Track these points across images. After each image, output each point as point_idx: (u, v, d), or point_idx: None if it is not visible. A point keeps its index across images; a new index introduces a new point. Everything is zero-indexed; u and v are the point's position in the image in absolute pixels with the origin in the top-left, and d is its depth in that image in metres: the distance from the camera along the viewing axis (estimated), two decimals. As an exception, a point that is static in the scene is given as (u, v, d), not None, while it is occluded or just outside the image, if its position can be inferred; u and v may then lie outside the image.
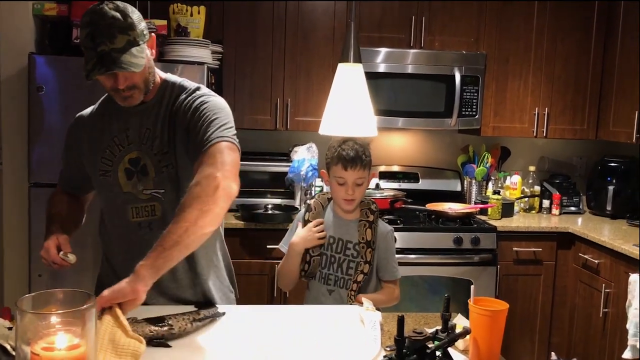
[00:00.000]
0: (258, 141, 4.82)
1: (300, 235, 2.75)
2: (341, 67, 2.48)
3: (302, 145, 4.52)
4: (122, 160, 2.31)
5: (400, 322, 1.68)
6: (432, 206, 4.60)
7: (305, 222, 2.79)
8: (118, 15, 2.10)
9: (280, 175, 4.46)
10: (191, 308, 2.26)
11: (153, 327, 1.96)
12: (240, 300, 2.37)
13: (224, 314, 2.20)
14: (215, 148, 2.10)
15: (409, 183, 5.06)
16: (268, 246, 4.00)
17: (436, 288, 4.22)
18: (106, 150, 2.32)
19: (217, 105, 2.25)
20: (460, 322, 2.16)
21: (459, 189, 5.13)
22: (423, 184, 5.08)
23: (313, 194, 4.42)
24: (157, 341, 1.97)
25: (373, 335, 2.08)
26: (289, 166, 4.42)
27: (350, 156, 2.70)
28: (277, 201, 4.48)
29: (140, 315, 2.02)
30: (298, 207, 4.42)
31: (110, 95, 2.28)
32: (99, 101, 2.44)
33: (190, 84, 2.37)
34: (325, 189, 4.33)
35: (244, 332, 2.16)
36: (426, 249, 4.27)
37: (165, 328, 1.99)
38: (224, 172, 2.02)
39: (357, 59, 2.46)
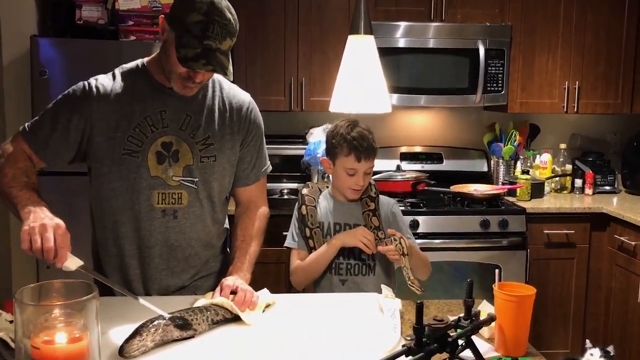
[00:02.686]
0: (272, 123, 4.80)
1: (350, 232, 2.73)
2: (351, 39, 2.46)
3: (318, 126, 4.50)
4: (155, 142, 2.32)
5: (419, 308, 1.67)
6: (457, 188, 4.57)
7: (303, 218, 2.78)
8: (232, 18, 2.19)
9: (295, 158, 4.46)
10: (191, 298, 2.30)
11: (178, 332, 1.99)
12: (257, 290, 2.39)
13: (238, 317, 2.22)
14: (264, 180, 2.63)
15: (432, 164, 5.04)
16: (284, 233, 3.94)
17: (463, 274, 4.21)
18: (135, 129, 2.31)
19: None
20: (485, 308, 2.14)
21: (485, 169, 5.10)
22: (447, 165, 5.06)
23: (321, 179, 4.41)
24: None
25: (392, 324, 2.08)
26: (304, 149, 4.42)
27: (364, 146, 2.67)
28: (293, 185, 4.50)
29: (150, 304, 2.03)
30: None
31: (169, 77, 2.27)
32: (117, 73, 2.39)
33: (242, 95, 2.53)
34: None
35: (265, 321, 2.19)
36: (451, 233, 4.26)
37: (190, 332, 2.03)
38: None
39: (368, 30, 2.44)
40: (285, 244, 2.85)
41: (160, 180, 2.33)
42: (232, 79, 2.31)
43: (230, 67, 2.22)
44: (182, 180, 2.35)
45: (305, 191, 2.85)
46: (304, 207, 2.80)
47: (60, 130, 2.30)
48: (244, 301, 2.21)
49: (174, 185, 2.35)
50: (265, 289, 2.39)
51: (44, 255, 1.89)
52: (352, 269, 2.72)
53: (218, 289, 2.27)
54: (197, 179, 2.37)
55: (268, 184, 2.75)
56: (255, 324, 2.15)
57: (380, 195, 2.83)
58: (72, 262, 1.94)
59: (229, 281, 2.28)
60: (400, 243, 2.58)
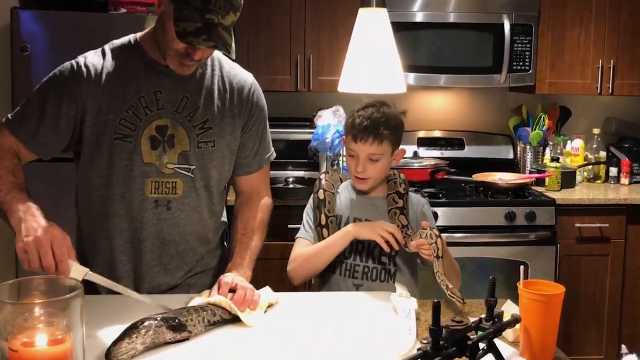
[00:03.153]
0: (276, 105, 4.78)
1: (369, 223, 2.65)
2: (362, 13, 2.45)
3: (327, 108, 4.50)
4: (149, 126, 2.32)
5: (436, 308, 1.66)
6: (479, 177, 4.57)
7: (319, 204, 2.72)
8: None
9: (302, 143, 4.46)
10: (186, 297, 2.30)
11: (171, 335, 1.98)
12: (258, 288, 2.38)
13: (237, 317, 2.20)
14: (267, 168, 2.63)
15: (453, 150, 5.04)
16: (289, 226, 4.01)
17: (486, 271, 4.21)
18: (128, 111, 2.30)
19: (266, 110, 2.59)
20: (509, 309, 2.13)
21: (511, 156, 5.10)
22: (469, 151, 5.06)
23: (331, 166, 4.40)
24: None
25: (407, 325, 2.07)
26: (312, 133, 4.42)
27: (362, 125, 2.60)
28: (299, 174, 4.51)
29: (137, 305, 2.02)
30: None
31: (164, 54, 2.26)
32: (107, 50, 2.37)
33: (244, 74, 2.51)
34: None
35: (267, 321, 2.19)
36: (474, 227, 4.26)
37: (184, 333, 2.02)
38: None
39: (381, 3, 2.42)
40: (297, 235, 2.79)
41: (154, 167, 2.33)
42: (234, 57, 2.30)
43: (233, 45, 2.21)
44: (177, 167, 2.35)
45: (323, 177, 2.81)
46: (321, 191, 2.75)
47: (49, 117, 2.28)
48: (244, 300, 2.20)
49: (168, 174, 2.35)
50: (267, 287, 2.38)
51: (46, 271, 1.90)
52: (369, 273, 2.66)
53: (215, 286, 2.26)
54: (193, 167, 2.37)
55: (272, 172, 2.74)
56: (256, 325, 2.14)
57: (410, 193, 2.79)
58: (77, 272, 1.94)
59: (228, 278, 2.27)
60: (435, 242, 2.47)
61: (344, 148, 2.78)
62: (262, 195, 2.60)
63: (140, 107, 2.30)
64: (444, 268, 2.44)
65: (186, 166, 2.36)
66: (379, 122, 2.60)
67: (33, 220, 1.98)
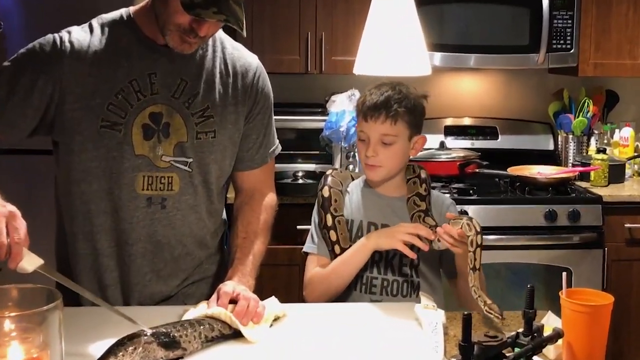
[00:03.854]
0: (284, 89, 4.77)
1: (387, 230, 2.60)
2: (381, -16, 2.45)
3: (341, 93, 4.49)
4: (142, 113, 2.31)
5: (467, 322, 1.64)
6: (515, 170, 4.55)
7: (324, 202, 2.70)
8: None
9: (313, 132, 4.46)
10: (180, 309, 2.29)
11: (163, 352, 1.97)
12: (264, 298, 2.37)
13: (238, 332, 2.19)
14: (272, 163, 2.64)
15: (485, 140, 5.05)
16: (298, 227, 4.01)
17: (523, 279, 4.20)
18: (118, 95, 2.29)
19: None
20: (550, 322, 2.13)
21: (551, 147, 5.10)
22: (503, 142, 5.06)
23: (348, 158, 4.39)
24: None
25: (434, 341, 2.06)
26: (324, 121, 4.41)
27: (373, 101, 2.57)
28: (310, 167, 4.50)
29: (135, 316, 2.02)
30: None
31: (164, 30, 2.24)
32: (96, 25, 2.35)
33: (248, 56, 2.52)
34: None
35: (272, 337, 2.18)
36: (509, 228, 4.25)
37: (178, 351, 2.01)
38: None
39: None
40: (304, 249, 2.77)
41: (146, 160, 2.32)
42: (245, 35, 2.28)
43: (244, 20, 2.20)
44: (174, 161, 2.34)
45: (330, 172, 2.78)
46: (326, 188, 2.72)
47: (20, 94, 2.25)
48: (247, 312, 2.19)
49: (163, 167, 2.34)
50: (273, 297, 2.37)
51: None
52: (389, 287, 2.64)
53: (214, 296, 2.25)
54: (191, 160, 2.37)
55: (278, 165, 2.74)
56: (259, 341, 2.13)
57: (432, 192, 2.75)
58: (30, 262, 1.90)
59: (228, 287, 2.25)
60: (474, 234, 2.37)
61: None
62: (265, 193, 2.60)
63: (132, 92, 2.29)
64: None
65: (183, 159, 2.35)
66: (394, 98, 2.58)
67: None
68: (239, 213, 2.55)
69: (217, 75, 2.41)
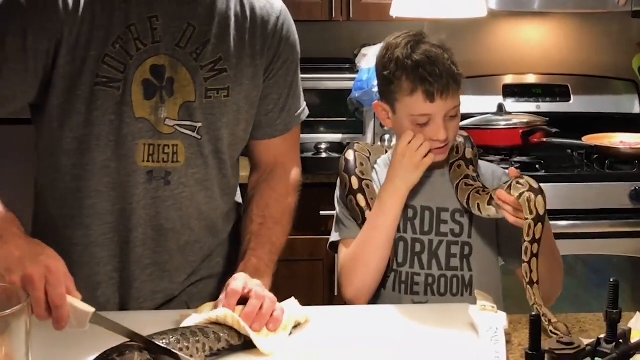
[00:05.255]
0: (303, 40, 4.73)
1: (404, 161, 2.55)
2: None
3: (373, 45, 4.47)
4: (142, 66, 2.31)
5: (535, 325, 1.63)
6: (592, 139, 4.55)
7: (347, 165, 2.69)
8: None
9: (339, 94, 4.48)
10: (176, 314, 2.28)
11: None
12: (281, 300, 2.37)
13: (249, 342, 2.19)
14: (297, 131, 2.66)
15: (554, 103, 5.06)
16: (322, 212, 4.03)
17: (603, 273, 4.21)
18: (115, 44, 2.28)
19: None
20: (639, 326, 2.10)
21: (636, 110, 5.10)
22: (576, 104, 5.07)
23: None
24: None
25: (493, 351, 2.06)
26: (353, 79, 4.42)
27: (437, 74, 2.51)
28: (336, 137, 4.54)
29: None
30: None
31: None
32: None
33: None
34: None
35: (291, 348, 2.17)
36: (585, 211, 4.26)
37: None
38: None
39: None
40: (331, 240, 2.76)
41: (147, 124, 2.32)
42: None
43: None
44: (179, 125, 2.34)
45: (350, 155, 2.75)
46: (350, 152, 2.74)
47: (11, 57, 2.24)
48: (260, 315, 2.17)
49: (167, 134, 2.34)
50: (292, 299, 2.36)
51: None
52: (434, 285, 2.63)
53: (222, 296, 2.24)
54: (199, 124, 2.36)
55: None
56: (275, 354, 2.11)
57: (480, 162, 2.75)
58: (79, 318, 1.92)
59: (238, 283, 2.24)
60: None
61: (382, 115, 2.67)
62: (289, 169, 2.60)
63: (130, 39, 2.29)
64: (546, 261, 2.40)
65: (190, 123, 2.35)
66: (447, 59, 2.56)
67: (12, 243, 1.96)
68: (256, 193, 2.55)
69: (232, 19, 2.40)
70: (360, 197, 2.63)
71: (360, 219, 2.64)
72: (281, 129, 2.56)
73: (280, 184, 2.56)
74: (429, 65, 2.51)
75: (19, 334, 1.58)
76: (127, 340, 1.94)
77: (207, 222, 2.47)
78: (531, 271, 2.34)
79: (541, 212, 2.32)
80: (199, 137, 2.36)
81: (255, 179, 2.59)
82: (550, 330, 2.24)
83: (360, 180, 2.66)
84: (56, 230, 2.41)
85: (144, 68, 2.30)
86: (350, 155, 2.72)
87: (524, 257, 2.33)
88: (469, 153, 2.69)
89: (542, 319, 2.24)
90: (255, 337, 2.10)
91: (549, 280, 2.47)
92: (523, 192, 2.32)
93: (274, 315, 2.19)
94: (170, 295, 2.45)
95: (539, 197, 2.32)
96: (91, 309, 1.92)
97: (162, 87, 2.31)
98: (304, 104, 2.63)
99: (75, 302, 1.91)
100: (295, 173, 2.61)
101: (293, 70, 2.55)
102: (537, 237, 2.32)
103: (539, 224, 2.32)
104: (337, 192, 2.76)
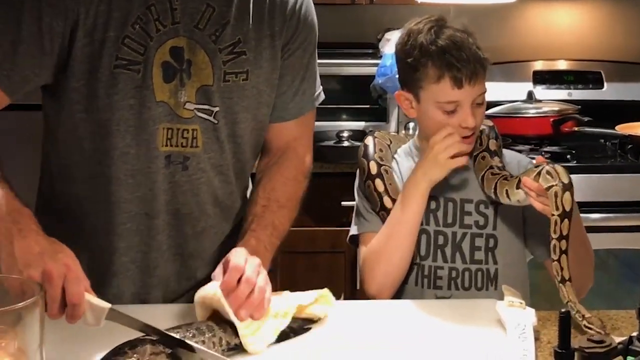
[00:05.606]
0: (324, 24, 4.75)
1: (428, 157, 2.55)
2: None
3: (397, 29, 4.47)
4: (162, 48, 2.31)
5: (564, 322, 1.64)
6: (625, 128, 4.53)
7: (365, 150, 2.71)
8: None
9: (362, 80, 4.48)
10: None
11: None
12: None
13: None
14: (312, 115, 2.65)
15: (586, 90, 5.03)
16: (343, 203, 4.00)
17: (636, 268, 4.20)
18: (135, 25, 2.28)
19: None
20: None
21: (673, 97, 5.05)
22: (610, 91, 5.04)
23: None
24: None
25: (521, 349, 2.05)
26: (376, 65, 4.41)
27: (465, 59, 2.52)
28: (358, 125, 4.53)
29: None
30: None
31: None
32: None
33: None
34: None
35: (320, 339, 2.19)
36: (617, 203, 4.26)
37: None
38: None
39: None
40: (352, 233, 2.77)
41: (167, 108, 2.33)
42: None
43: None
44: (197, 109, 2.35)
45: (369, 142, 2.77)
46: (369, 138, 2.76)
47: (28, 38, 2.23)
48: (248, 304, 2.12)
49: (186, 118, 2.35)
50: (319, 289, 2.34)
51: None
52: (458, 279, 2.64)
53: (219, 269, 2.21)
54: (217, 109, 2.37)
55: (317, 123, 2.72)
56: (261, 354, 2.08)
57: (504, 151, 2.75)
58: (95, 314, 1.93)
59: (238, 257, 2.20)
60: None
61: (405, 104, 2.67)
62: (300, 154, 2.60)
63: (150, 20, 2.29)
64: (576, 254, 2.40)
65: (207, 107, 2.36)
66: (473, 44, 2.57)
67: (31, 238, 1.97)
68: (264, 175, 2.55)
69: (254, 4, 2.40)
70: (378, 182, 2.65)
71: (378, 206, 2.65)
72: (294, 112, 2.56)
73: (290, 168, 2.56)
74: (455, 51, 2.52)
75: (33, 326, 1.58)
76: (142, 335, 1.96)
77: (222, 207, 2.48)
78: (562, 269, 2.34)
79: (567, 209, 2.32)
80: (216, 122, 2.37)
81: (265, 162, 2.59)
82: (584, 325, 2.22)
83: (379, 165, 2.68)
84: (65, 218, 2.42)
85: (164, 50, 2.30)
86: (369, 141, 2.73)
87: (553, 256, 2.33)
88: (492, 144, 2.68)
89: (576, 315, 2.26)
90: (240, 327, 2.07)
91: (579, 273, 2.46)
92: (552, 186, 2.33)
93: (260, 304, 2.14)
94: (189, 288, 2.45)
95: (567, 193, 2.32)
96: (107, 305, 1.93)
97: (181, 70, 2.32)
98: (319, 88, 2.64)
99: (91, 298, 1.92)
100: (307, 159, 2.61)
101: (310, 52, 2.56)
102: (565, 233, 2.32)
103: (566, 220, 2.32)
104: (357, 182, 2.76)
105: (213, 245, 2.49)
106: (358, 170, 2.75)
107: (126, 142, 2.32)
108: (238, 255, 2.20)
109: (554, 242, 2.33)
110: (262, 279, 2.17)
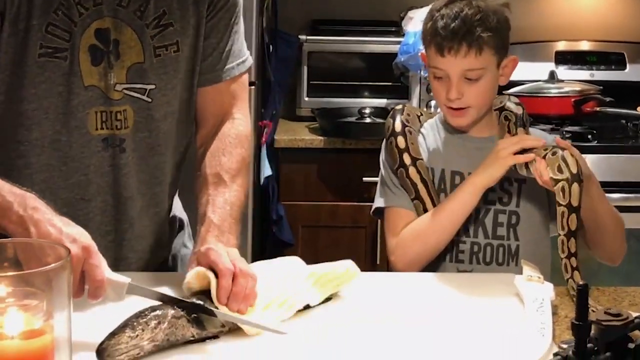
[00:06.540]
0: (349, 2, 4.79)
1: (487, 161, 2.56)
2: None
3: (420, 7, 4.47)
4: (87, 31, 2.28)
5: (582, 294, 1.64)
6: (648, 109, 4.51)
7: (393, 131, 2.68)
8: None
9: (384, 58, 4.46)
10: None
11: (196, 330, 1.95)
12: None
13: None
14: (244, 80, 2.59)
15: (609, 71, 5.04)
16: (365, 179, 4.03)
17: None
18: (57, 11, 2.24)
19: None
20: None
21: (696, 79, 5.04)
22: (632, 73, 5.05)
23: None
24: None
25: (539, 322, 2.05)
26: (399, 43, 4.41)
27: (450, 28, 2.52)
28: (380, 102, 4.53)
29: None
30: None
31: None
32: None
33: None
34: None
35: (340, 311, 2.19)
36: (638, 183, 4.29)
37: (214, 330, 1.98)
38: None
39: None
40: (376, 205, 2.76)
41: (97, 91, 2.30)
42: None
43: None
44: (127, 89, 2.33)
45: (398, 116, 2.74)
46: (401, 105, 2.76)
47: None
48: (246, 297, 2.08)
49: (117, 99, 2.32)
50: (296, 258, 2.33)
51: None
52: (480, 253, 2.65)
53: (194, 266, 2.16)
54: (152, 87, 2.35)
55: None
56: (257, 336, 2.03)
57: (531, 130, 2.73)
58: (116, 290, 1.94)
59: (223, 257, 2.10)
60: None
61: (426, 69, 2.69)
62: (237, 119, 2.55)
63: (72, 5, 2.24)
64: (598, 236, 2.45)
65: (140, 86, 2.34)
66: (474, 20, 2.54)
67: (46, 222, 1.95)
68: (206, 149, 2.47)
69: None
70: (400, 139, 2.65)
71: (397, 162, 2.66)
72: (224, 75, 2.50)
73: (231, 136, 2.48)
74: (448, 20, 2.53)
75: (61, 289, 1.54)
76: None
77: (162, 187, 2.47)
78: (568, 224, 2.35)
79: (575, 204, 2.34)
80: (149, 100, 2.35)
81: (204, 135, 2.52)
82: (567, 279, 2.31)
83: (404, 125, 2.68)
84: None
85: (89, 33, 2.27)
86: (400, 106, 2.76)
87: (560, 254, 2.36)
88: (520, 133, 2.64)
89: (570, 281, 2.32)
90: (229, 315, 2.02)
91: (611, 240, 2.58)
92: (559, 180, 2.35)
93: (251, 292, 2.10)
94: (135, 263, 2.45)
95: (575, 184, 2.33)
96: (127, 280, 1.93)
97: (108, 52, 2.29)
98: (247, 53, 2.58)
99: (110, 274, 1.93)
100: (244, 123, 2.55)
101: (234, 17, 2.50)
102: (573, 228, 2.33)
103: (573, 215, 2.33)
104: (382, 155, 2.75)
105: (157, 226, 2.49)
106: (385, 145, 2.74)
107: (55, 129, 2.29)
108: (221, 255, 2.10)
109: (561, 237, 2.36)
110: (246, 265, 2.12)
